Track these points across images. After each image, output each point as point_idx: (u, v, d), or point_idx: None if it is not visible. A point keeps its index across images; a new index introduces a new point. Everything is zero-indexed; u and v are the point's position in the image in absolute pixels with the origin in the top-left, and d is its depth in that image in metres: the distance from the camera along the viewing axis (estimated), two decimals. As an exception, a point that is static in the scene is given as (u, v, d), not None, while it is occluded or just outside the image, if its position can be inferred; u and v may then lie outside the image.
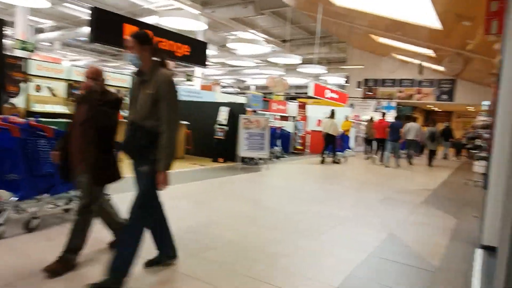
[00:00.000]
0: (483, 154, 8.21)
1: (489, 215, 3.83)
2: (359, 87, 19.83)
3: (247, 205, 5.20)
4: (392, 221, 4.83)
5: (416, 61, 17.97)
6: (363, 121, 16.37)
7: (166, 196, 2.96)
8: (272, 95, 23.85)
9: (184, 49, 9.39)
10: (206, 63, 10.55)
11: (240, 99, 9.95)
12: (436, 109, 25.72)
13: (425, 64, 16.43)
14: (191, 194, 5.62)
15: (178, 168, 7.89)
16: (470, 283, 3.00)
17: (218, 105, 9.66)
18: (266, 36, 16.30)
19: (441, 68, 18.04)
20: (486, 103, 18.16)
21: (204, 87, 18.52)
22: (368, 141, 13.79)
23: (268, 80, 21.48)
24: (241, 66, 23.80)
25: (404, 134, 11.62)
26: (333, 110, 11.38)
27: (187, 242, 3.48)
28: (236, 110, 9.23)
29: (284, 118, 14.68)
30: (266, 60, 19.13)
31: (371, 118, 14.09)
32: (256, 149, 8.63)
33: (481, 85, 18.56)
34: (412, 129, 11.98)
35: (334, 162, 11.22)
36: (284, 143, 12.19)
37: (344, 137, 12.37)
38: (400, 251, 3.71)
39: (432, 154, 12.92)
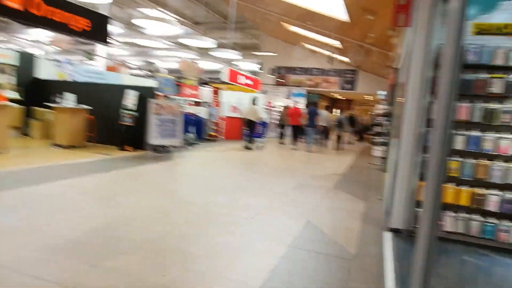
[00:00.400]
0: (383, 140, 8.90)
1: (394, 200, 4.02)
2: (272, 74, 20.20)
3: (159, 199, 4.75)
4: (308, 208, 4.86)
5: (325, 52, 18.92)
6: (275, 107, 16.70)
7: (64, 192, 2.41)
8: (185, 80, 23.00)
9: (83, 23, 8.28)
10: (109, 40, 9.51)
11: (150, 83, 9.17)
12: (340, 97, 27.61)
13: (333, 55, 17.33)
14: (94, 189, 4.95)
15: (78, 158, 6.98)
16: (383, 268, 3.08)
17: (125, 88, 8.79)
18: (177, 17, 15.45)
19: (346, 59, 19.32)
20: (381, 93, 20.05)
21: (109, 69, 16.92)
22: (282, 127, 14.11)
23: (180, 63, 20.59)
24: (150, 47, 22.39)
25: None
26: (256, 97, 11.47)
27: (87, 248, 2.96)
28: (145, 95, 8.50)
29: (197, 104, 14.18)
30: (178, 42, 18.21)
31: (287, 105, 14.45)
32: (168, 136, 8.09)
33: (379, 76, 20.36)
34: (324, 116, 12.75)
35: (247, 148, 11.21)
36: (197, 130, 11.76)
37: (263, 124, 12.43)
38: (318, 239, 3.70)
39: (339, 139, 13.95)
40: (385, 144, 8.88)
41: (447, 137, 2.15)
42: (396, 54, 11.02)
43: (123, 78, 12.69)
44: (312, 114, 12.05)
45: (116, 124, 8.42)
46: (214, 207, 4.55)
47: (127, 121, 8.31)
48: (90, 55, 14.46)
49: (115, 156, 7.72)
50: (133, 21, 10.20)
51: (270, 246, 3.38)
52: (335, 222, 4.38)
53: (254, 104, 11.30)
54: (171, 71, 30.73)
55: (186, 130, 10.26)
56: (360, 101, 28.29)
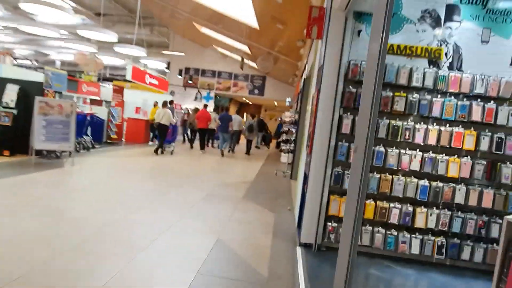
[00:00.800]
0: (290, 147, 9.07)
1: (305, 214, 3.95)
2: (180, 75, 19.46)
3: (41, 219, 3.94)
4: (217, 223, 4.54)
5: (235, 56, 18.90)
6: (184, 109, 16.08)
7: None
8: (83, 75, 20.79)
9: None
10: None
11: (38, 76, 7.83)
12: (248, 102, 28.02)
13: (245, 60, 17.38)
14: None
15: None
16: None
17: (4, 82, 7.38)
18: (75, 5, 13.81)
19: (254, 65, 19.60)
20: (288, 100, 20.87)
21: (-15, 56, 14.34)
22: (191, 130, 13.60)
23: (77, 56, 18.51)
24: (39, 35, 19.72)
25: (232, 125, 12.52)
26: (170, 100, 10.99)
27: None
28: (30, 90, 7.27)
29: (96, 103, 12.83)
30: (76, 34, 16.31)
31: (196, 108, 14.00)
32: (58, 140, 7.00)
33: (286, 83, 21.15)
34: (236, 120, 12.97)
35: (157, 152, 10.51)
36: (96, 132, 10.59)
37: (174, 127, 11.78)
38: (228, 260, 3.40)
39: (249, 143, 14.07)
40: (292, 151, 9.06)
41: (369, 153, 2.06)
42: (303, 64, 11.47)
43: (5, 69, 10.76)
44: (225, 119, 12.06)
45: (-11, 123, 7.00)
46: (110, 227, 3.93)
47: (4, 121, 6.98)
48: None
49: (-14, 162, 6.39)
50: (21, 5, 8.71)
51: (177, 275, 2.97)
52: (247, 238, 4.14)
53: (167, 106, 10.71)
54: (67, 64, 27.65)
55: (81, 133, 9.10)
56: (268, 107, 29.12)
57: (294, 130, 9.06)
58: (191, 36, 19.16)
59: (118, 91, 12.07)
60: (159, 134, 10.75)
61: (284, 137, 9.43)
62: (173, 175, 7.93)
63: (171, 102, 12.74)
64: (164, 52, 19.08)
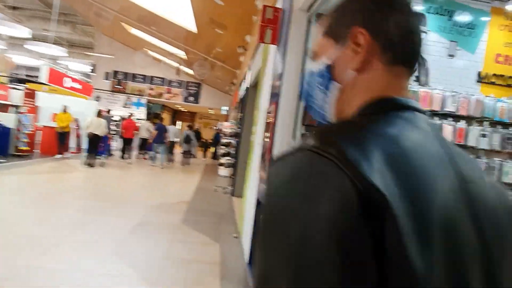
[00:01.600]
0: (230, 160, 8.37)
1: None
2: (107, 79, 17.71)
3: None
4: (150, 267, 3.63)
5: (169, 61, 17.73)
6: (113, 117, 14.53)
7: None
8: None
9: None
10: None
11: None
12: (182, 109, 26.77)
13: (180, 66, 16.35)
14: None
15: None
16: None
17: None
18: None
19: (190, 71, 18.61)
20: (224, 108, 20.19)
21: None
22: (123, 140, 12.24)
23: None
24: None
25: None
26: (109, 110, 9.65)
27: None
28: None
29: (3, 108, 10.86)
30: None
31: (129, 115, 12.87)
32: None
33: (222, 91, 20.46)
34: (172, 131, 12.67)
35: (89, 165, 9.17)
36: (0, 143, 8.84)
37: (105, 138, 10.43)
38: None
39: (186, 154, 13.53)
40: (233, 165, 8.37)
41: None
42: (242, 72, 10.89)
43: None
44: (161, 130, 11.18)
45: None
46: (6, 284, 2.84)
47: None
48: None
49: None
50: None
51: None
52: (190, 285, 3.31)
53: (102, 116, 9.54)
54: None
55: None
56: (203, 115, 28.12)
57: (234, 142, 8.39)
58: (120, 38, 17.58)
59: (30, 95, 10.33)
60: (91, 145, 9.62)
61: (223, 149, 8.70)
62: (97, 197, 6.72)
63: (108, 111, 11.54)
64: (89, 53, 17.23)
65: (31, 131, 10.26)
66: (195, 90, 20.43)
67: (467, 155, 0.55)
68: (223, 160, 9.03)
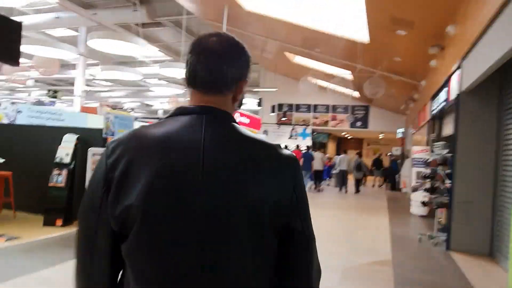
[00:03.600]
0: (443, 199, 5.86)
1: None
2: (273, 112, 17.47)
3: None
4: None
5: (332, 86, 16.35)
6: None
7: None
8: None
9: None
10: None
11: (100, 122, 6.34)
12: (348, 136, 24.81)
13: (339, 88, 14.73)
14: None
15: None
16: None
17: (65, 131, 5.91)
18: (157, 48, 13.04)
19: (355, 94, 16.71)
20: (400, 131, 17.22)
21: (86, 109, 14.28)
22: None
23: (171, 100, 18.04)
24: (141, 86, 20.08)
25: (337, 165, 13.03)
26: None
27: None
28: (90, 140, 5.64)
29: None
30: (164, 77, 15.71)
31: (297, 147, 12.53)
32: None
33: (394, 112, 17.64)
34: (343, 160, 13.24)
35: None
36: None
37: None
38: None
39: (358, 182, 13.81)
40: (444, 206, 5.85)
41: None
42: (435, 81, 8.27)
43: (93, 120, 9.88)
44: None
45: (44, 184, 5.47)
46: None
47: (58, 181, 5.36)
48: (55, 92, 11.80)
49: (31, 238, 4.66)
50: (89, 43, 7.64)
51: None
52: None
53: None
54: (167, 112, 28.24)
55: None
56: (370, 140, 25.42)
57: (443, 174, 5.87)
58: (283, 70, 17.30)
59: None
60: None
61: (425, 184, 6.23)
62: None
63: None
64: (255, 89, 17.46)
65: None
66: (362, 113, 18.26)
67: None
68: (421, 195, 6.55)
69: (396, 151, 16.35)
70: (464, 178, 5.55)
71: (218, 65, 0.80)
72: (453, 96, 6.24)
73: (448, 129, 8.02)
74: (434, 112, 8.30)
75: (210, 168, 0.70)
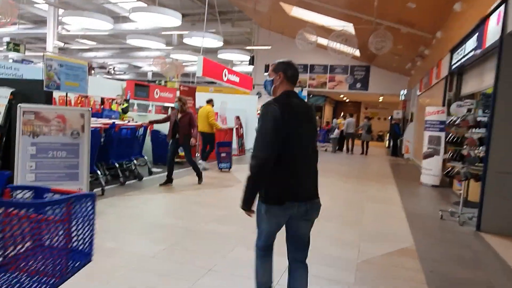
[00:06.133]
0: (474, 170, 4.70)
1: None
2: (267, 71, 15.90)
3: None
4: None
5: (331, 43, 14.71)
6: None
7: None
8: (165, 82, 18.75)
9: None
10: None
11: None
12: (346, 99, 23.40)
13: (338, 46, 13.16)
14: None
15: None
16: None
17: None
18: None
19: (356, 52, 15.15)
20: (403, 92, 15.89)
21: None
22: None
23: (155, 61, 16.34)
24: (130, 46, 18.24)
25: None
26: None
27: None
28: (29, 95, 4.29)
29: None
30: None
31: None
32: (57, 179, 3.84)
33: (397, 72, 16.20)
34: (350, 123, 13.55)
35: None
36: (160, 152, 7.56)
37: None
38: None
39: (367, 145, 13.92)
40: (475, 177, 4.70)
41: None
42: (457, 29, 6.84)
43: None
44: None
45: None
46: None
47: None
48: (16, 46, 10.17)
49: None
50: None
51: None
52: None
53: None
54: (157, 75, 26.43)
55: (137, 152, 6.12)
56: (368, 104, 24.06)
57: (475, 138, 4.65)
58: (278, 27, 15.59)
59: (189, 92, 8.95)
60: None
61: (460, 150, 5.01)
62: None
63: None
64: (248, 47, 15.80)
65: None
66: (362, 74, 16.81)
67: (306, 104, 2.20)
68: (456, 166, 5.33)
69: (398, 114, 15.11)
70: (502, 144, 4.36)
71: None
72: (490, 41, 4.90)
73: (471, 85, 6.72)
74: (455, 66, 6.96)
75: (303, 110, 2.02)
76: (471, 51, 5.85)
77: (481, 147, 4.63)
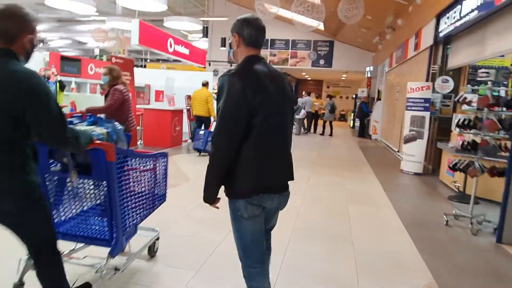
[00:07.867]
0: (495, 162, 3.55)
1: None
2: (223, 46, 14.16)
3: None
4: None
5: (295, 16, 13.22)
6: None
7: None
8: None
9: None
10: None
11: None
12: (307, 77, 22.22)
13: (300, 18, 11.70)
14: None
15: None
16: None
17: None
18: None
19: (320, 25, 13.81)
20: (369, 69, 14.91)
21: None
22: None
23: (94, 33, 13.93)
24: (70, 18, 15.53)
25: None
26: None
27: None
28: None
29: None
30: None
31: None
32: None
33: (360, 48, 15.14)
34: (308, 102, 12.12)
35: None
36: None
37: None
38: None
39: (330, 125, 12.91)
40: (498, 172, 3.57)
41: None
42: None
43: None
44: None
45: None
46: None
47: None
48: None
49: None
50: None
51: None
52: None
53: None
54: (104, 51, 23.40)
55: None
56: (330, 82, 23.07)
57: (496, 121, 3.49)
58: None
59: (124, 66, 7.15)
60: None
61: (463, 136, 3.86)
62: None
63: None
64: (202, 18, 13.89)
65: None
66: (325, 50, 15.58)
67: (277, 72, 1.63)
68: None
69: (363, 92, 14.13)
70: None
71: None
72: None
73: (463, 56, 5.60)
74: (444, 34, 5.80)
75: (273, 81, 1.55)
76: (472, 11, 4.66)
77: (501, 132, 3.48)
